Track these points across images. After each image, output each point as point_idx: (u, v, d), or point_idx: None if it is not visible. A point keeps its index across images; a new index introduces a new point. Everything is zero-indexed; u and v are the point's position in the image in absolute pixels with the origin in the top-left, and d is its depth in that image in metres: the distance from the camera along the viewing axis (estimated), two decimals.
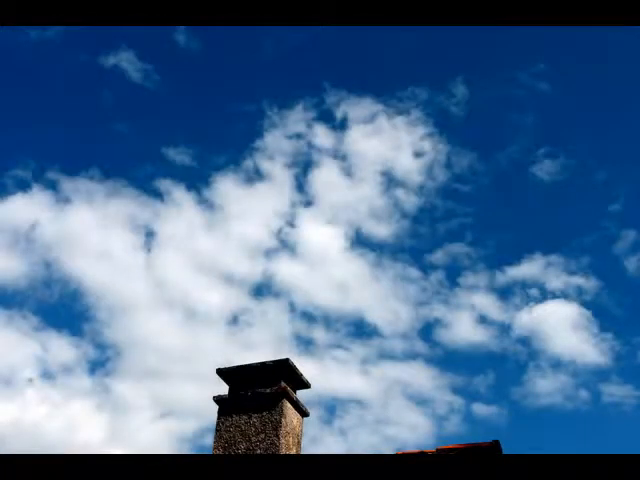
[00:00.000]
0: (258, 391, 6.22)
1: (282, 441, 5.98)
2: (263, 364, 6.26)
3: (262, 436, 6.04)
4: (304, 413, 6.36)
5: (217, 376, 6.54)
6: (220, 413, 6.30)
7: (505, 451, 6.18)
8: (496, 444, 5.91)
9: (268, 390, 6.18)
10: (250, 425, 6.14)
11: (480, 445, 5.91)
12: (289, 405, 6.19)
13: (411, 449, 6.48)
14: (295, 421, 6.25)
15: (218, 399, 6.35)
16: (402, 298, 26.34)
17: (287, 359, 6.22)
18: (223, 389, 6.53)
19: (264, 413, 6.14)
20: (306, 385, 6.39)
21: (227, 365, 6.46)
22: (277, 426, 6.03)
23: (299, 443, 6.24)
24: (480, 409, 24.93)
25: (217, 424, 6.25)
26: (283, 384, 6.19)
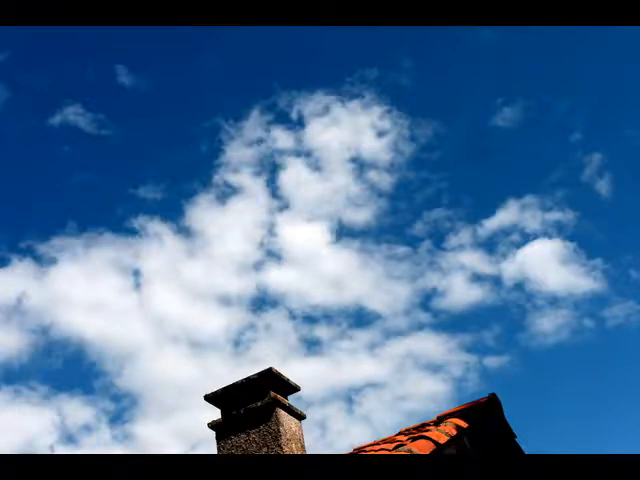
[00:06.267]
0: (250, 407, 6.16)
1: (286, 449, 5.92)
2: (247, 379, 6.20)
3: (265, 450, 5.98)
4: (300, 416, 6.31)
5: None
6: (218, 438, 6.23)
7: (506, 401, 6.19)
8: (493, 398, 5.89)
9: (259, 403, 6.13)
10: (251, 442, 6.08)
11: (477, 403, 5.89)
12: (283, 412, 6.13)
13: (415, 422, 6.46)
14: (294, 426, 6.20)
15: (213, 425, 6.29)
16: (396, 277, 26.30)
17: (270, 368, 6.16)
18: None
19: (261, 427, 6.08)
20: (295, 388, 6.33)
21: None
22: (277, 436, 5.98)
23: (303, 447, 6.18)
24: (492, 361, 25.04)
25: (218, 449, 6.19)
26: (272, 393, 6.13)
